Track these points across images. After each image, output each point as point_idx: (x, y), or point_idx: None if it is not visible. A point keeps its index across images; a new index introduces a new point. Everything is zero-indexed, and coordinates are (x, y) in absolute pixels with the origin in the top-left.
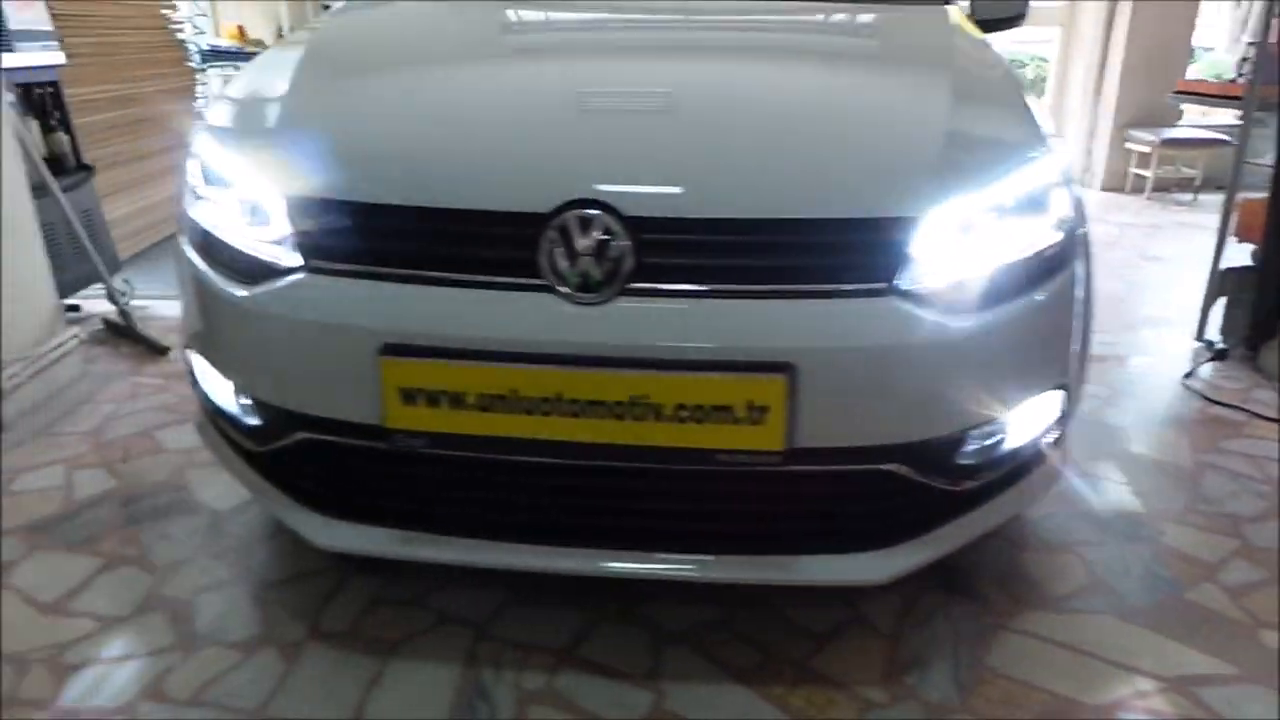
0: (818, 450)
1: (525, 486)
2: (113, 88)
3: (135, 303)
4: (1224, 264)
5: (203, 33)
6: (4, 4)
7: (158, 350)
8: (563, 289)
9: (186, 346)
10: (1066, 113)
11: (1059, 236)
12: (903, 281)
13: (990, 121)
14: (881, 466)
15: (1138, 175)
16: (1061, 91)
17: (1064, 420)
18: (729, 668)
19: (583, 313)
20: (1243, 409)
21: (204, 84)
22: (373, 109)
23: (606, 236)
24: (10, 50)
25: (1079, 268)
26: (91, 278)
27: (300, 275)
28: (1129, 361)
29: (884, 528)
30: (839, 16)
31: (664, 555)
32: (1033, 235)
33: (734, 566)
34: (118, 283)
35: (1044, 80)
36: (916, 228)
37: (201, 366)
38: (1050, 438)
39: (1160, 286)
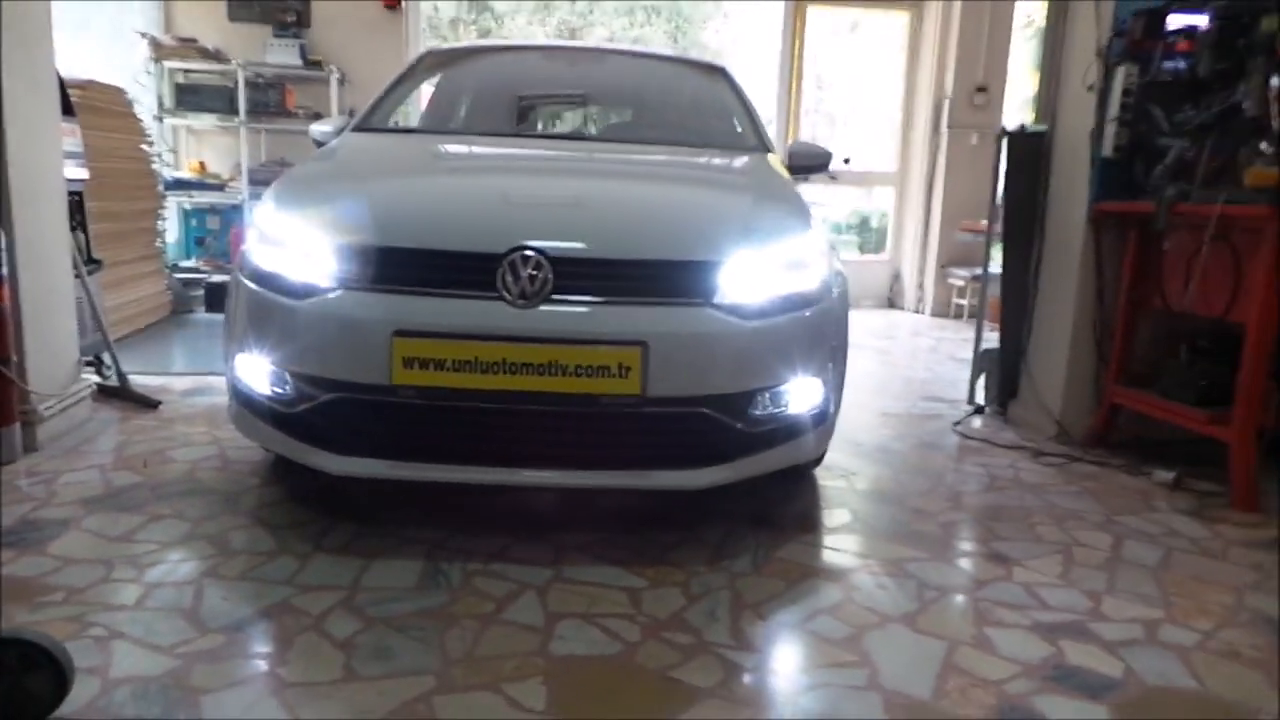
0: (661, 397)
1: (476, 424)
2: (106, 204)
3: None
4: (983, 346)
5: (169, 165)
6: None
7: (149, 404)
8: (508, 297)
9: (235, 352)
10: (903, 254)
11: (816, 282)
12: (715, 297)
13: (775, 217)
14: (700, 410)
15: (958, 304)
16: (898, 238)
17: (825, 404)
18: (608, 560)
19: (521, 312)
20: (986, 440)
21: (165, 208)
22: (390, 197)
23: (536, 270)
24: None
25: (835, 306)
26: (93, 349)
27: (340, 291)
28: (918, 418)
29: (701, 454)
30: (694, 156)
31: (567, 472)
32: (799, 279)
33: (611, 477)
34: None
35: (885, 230)
36: (722, 266)
37: (246, 363)
38: (815, 411)
39: (955, 374)
